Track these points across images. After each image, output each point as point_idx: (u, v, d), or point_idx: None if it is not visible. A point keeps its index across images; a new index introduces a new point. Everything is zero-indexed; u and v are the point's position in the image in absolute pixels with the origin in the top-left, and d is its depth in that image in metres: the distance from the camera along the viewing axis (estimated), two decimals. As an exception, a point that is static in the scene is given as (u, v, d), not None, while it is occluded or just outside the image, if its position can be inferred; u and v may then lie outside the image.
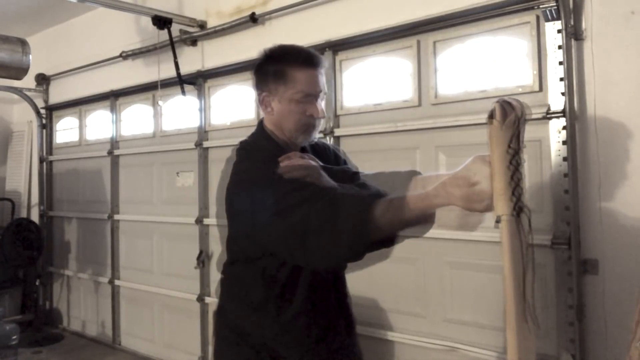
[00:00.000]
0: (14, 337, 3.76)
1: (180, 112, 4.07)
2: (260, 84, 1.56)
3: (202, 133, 3.81)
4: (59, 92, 5.26)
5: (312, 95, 1.51)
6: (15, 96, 5.48)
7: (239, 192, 1.48)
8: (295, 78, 1.49)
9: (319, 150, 1.67)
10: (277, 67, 1.51)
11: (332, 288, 1.62)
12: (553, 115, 2.28)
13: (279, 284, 1.50)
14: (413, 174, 1.57)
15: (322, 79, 1.54)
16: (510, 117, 1.10)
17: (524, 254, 1.12)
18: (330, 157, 1.69)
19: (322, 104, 1.55)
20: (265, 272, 1.50)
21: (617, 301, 2.14)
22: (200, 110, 3.82)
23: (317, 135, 1.60)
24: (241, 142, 1.61)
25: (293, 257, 1.37)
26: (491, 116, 1.11)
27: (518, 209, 1.10)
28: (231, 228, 1.57)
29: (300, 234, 1.27)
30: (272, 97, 1.53)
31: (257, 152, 1.55)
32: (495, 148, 1.10)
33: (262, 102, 1.57)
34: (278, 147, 1.55)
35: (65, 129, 5.25)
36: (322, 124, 1.62)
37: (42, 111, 5.32)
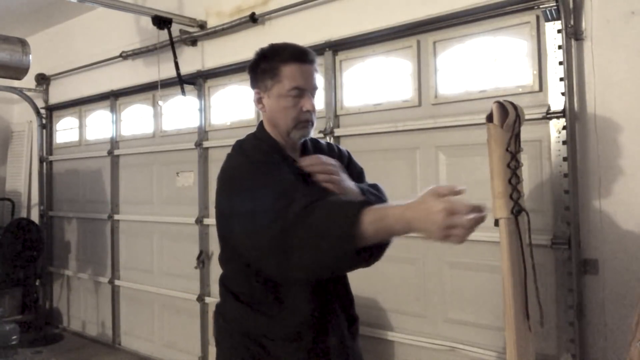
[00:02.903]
0: (14, 337, 3.76)
1: (180, 112, 4.07)
2: (254, 83, 1.57)
3: (202, 133, 3.81)
4: (59, 92, 5.26)
5: (302, 89, 1.50)
6: (15, 96, 5.49)
7: (223, 192, 1.46)
8: (284, 72, 1.49)
9: (323, 150, 1.65)
10: (268, 65, 1.52)
11: (333, 287, 1.57)
12: (553, 115, 2.28)
13: (274, 284, 1.47)
14: (362, 206, 1.20)
15: (314, 75, 1.54)
16: (509, 118, 1.10)
17: (523, 254, 1.12)
18: (334, 157, 1.65)
19: (313, 99, 1.54)
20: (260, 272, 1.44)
21: (617, 301, 2.14)
22: (200, 110, 3.82)
23: (312, 131, 1.58)
24: (236, 141, 1.61)
25: (270, 269, 1.31)
26: (490, 118, 1.12)
27: (517, 209, 1.11)
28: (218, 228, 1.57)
29: (282, 245, 1.21)
30: (264, 94, 1.54)
31: (248, 151, 1.53)
32: (495, 149, 1.10)
33: (256, 101, 1.58)
34: (274, 143, 1.55)
35: (65, 129, 5.26)
36: (316, 121, 1.58)
37: (42, 111, 5.32)
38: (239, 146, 1.57)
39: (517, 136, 1.14)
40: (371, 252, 1.24)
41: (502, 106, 1.11)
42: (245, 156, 1.50)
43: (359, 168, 1.68)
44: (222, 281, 1.62)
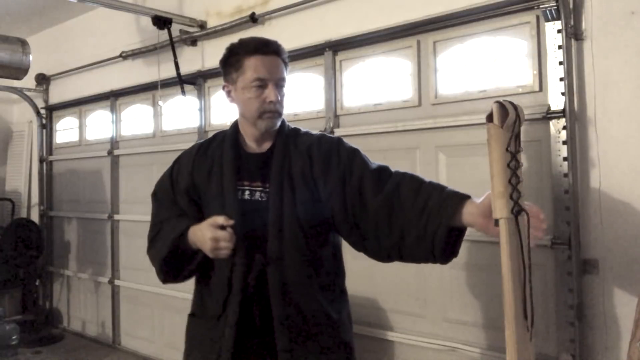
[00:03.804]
0: (14, 337, 3.77)
1: (180, 112, 4.07)
2: (224, 77, 1.63)
3: (202, 133, 3.81)
4: (59, 92, 5.26)
5: (265, 80, 1.53)
6: (15, 96, 5.49)
7: None
8: (247, 64, 1.53)
9: (301, 141, 1.62)
10: (234, 58, 1.57)
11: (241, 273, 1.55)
12: (553, 115, 2.27)
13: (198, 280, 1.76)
14: (462, 199, 1.39)
15: (279, 67, 1.56)
16: (509, 118, 1.10)
17: (523, 255, 1.12)
18: (302, 156, 1.59)
19: (280, 90, 1.57)
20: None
21: (617, 301, 2.14)
22: (200, 110, 3.82)
23: (279, 122, 1.60)
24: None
25: None
26: (490, 118, 1.12)
27: (517, 209, 1.11)
28: None
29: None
30: (231, 86, 1.60)
31: (170, 171, 1.76)
32: (495, 149, 1.10)
33: (226, 94, 1.64)
34: (232, 135, 1.65)
35: (65, 129, 5.25)
36: (282, 111, 1.60)
37: (42, 111, 5.32)
38: (172, 164, 1.78)
39: (517, 136, 1.13)
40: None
41: (502, 106, 1.11)
42: (162, 179, 1.79)
43: (349, 152, 1.60)
44: None
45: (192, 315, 1.74)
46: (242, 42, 1.59)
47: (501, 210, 1.10)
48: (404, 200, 1.45)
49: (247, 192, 1.58)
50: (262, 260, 1.53)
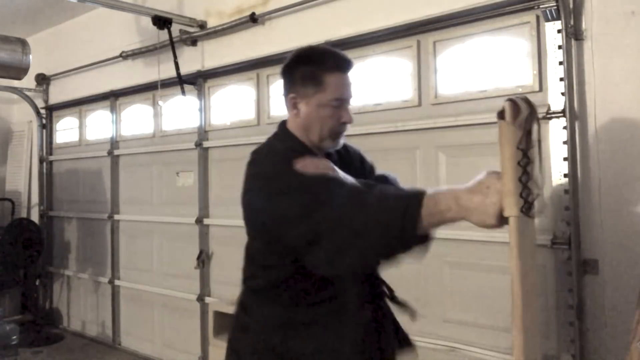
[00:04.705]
0: (14, 337, 3.76)
1: (180, 112, 4.07)
2: (289, 86, 1.50)
3: (202, 133, 3.81)
4: (59, 92, 5.26)
5: (343, 100, 1.46)
6: (15, 96, 5.49)
7: (266, 196, 1.37)
8: (328, 82, 1.43)
9: (343, 155, 1.60)
10: (307, 69, 1.46)
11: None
12: (553, 115, 2.28)
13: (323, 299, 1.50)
14: (419, 196, 1.18)
15: (352, 85, 1.50)
16: (521, 116, 1.08)
17: (533, 254, 1.11)
18: (354, 162, 1.61)
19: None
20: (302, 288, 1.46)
21: (617, 301, 2.14)
22: (200, 110, 3.82)
23: (342, 142, 1.53)
24: (262, 145, 1.53)
25: (325, 256, 1.25)
26: (501, 115, 1.10)
27: (526, 208, 1.09)
28: (254, 238, 1.50)
29: (338, 232, 1.20)
30: (301, 99, 1.47)
31: (279, 153, 1.47)
32: (505, 147, 1.08)
33: (291, 106, 1.50)
34: (304, 146, 1.48)
35: (65, 129, 5.26)
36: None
37: (42, 111, 5.32)
38: (269, 151, 1.49)
39: (530, 133, 1.12)
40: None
41: (514, 104, 1.09)
42: (277, 160, 1.44)
43: (371, 163, 1.68)
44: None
45: (288, 329, 1.52)
46: (321, 55, 1.49)
47: (511, 208, 1.08)
48: None
49: None
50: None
